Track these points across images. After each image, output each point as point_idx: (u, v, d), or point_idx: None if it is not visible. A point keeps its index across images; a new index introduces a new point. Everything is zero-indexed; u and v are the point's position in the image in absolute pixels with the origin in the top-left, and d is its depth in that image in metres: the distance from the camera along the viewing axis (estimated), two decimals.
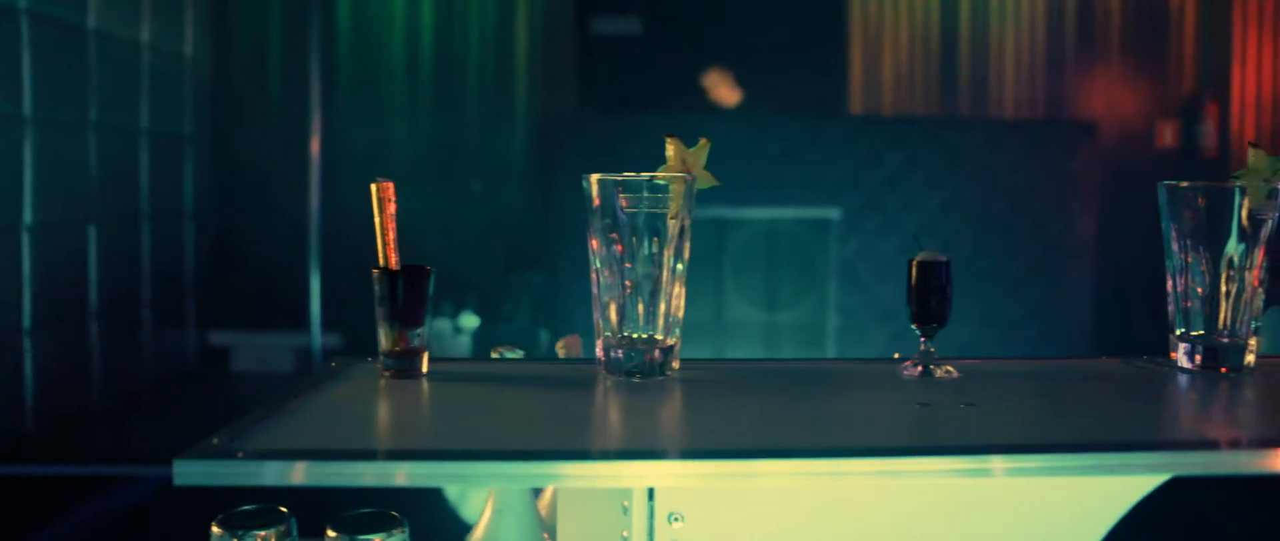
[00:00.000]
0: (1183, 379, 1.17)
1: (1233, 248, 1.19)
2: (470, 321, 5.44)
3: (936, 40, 5.85)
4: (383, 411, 1.02)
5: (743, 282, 5.31)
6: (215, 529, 1.07)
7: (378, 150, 5.79)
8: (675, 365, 1.13)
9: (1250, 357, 1.20)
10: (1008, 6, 5.83)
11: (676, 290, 1.12)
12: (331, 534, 1.08)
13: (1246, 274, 1.19)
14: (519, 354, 1.26)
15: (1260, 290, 1.19)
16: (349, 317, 5.47)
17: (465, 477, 0.80)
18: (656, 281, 1.10)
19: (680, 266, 1.12)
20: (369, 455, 0.84)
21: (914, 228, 5.31)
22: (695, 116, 5.62)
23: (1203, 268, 1.20)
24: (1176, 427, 1.02)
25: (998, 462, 0.83)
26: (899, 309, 5.41)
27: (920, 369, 1.14)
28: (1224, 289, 1.19)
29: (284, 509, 1.11)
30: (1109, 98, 5.80)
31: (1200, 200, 1.20)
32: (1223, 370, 1.19)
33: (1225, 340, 1.20)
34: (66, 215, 4.56)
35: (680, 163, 1.13)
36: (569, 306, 5.25)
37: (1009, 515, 0.93)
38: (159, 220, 5.22)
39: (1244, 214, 1.19)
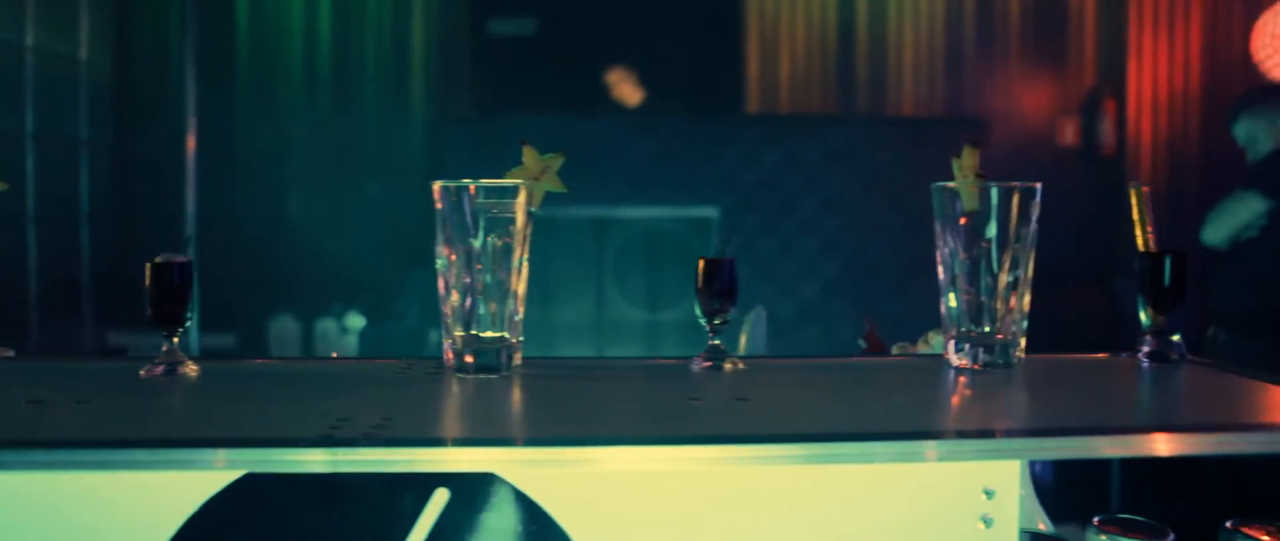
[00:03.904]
0: (451, 380, 1.17)
1: (489, 247, 1.19)
2: (356, 321, 5.47)
3: (833, 38, 5.81)
4: None
5: (623, 282, 5.31)
6: None
7: (276, 151, 5.84)
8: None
9: (517, 358, 1.20)
10: (906, 3, 5.78)
11: None
12: None
13: (500, 274, 1.19)
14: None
15: (518, 294, 1.19)
16: (237, 317, 5.51)
17: None
18: None
19: None
20: None
21: (792, 227, 5.28)
22: (579, 117, 5.62)
23: (460, 266, 1.20)
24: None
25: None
26: (778, 308, 5.39)
27: (162, 368, 1.16)
28: (483, 291, 1.19)
29: None
30: (1007, 95, 5.73)
31: (475, 198, 1.20)
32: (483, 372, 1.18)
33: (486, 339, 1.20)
34: None
35: None
36: None
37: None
38: (49, 223, 5.29)
39: (519, 212, 1.18)
